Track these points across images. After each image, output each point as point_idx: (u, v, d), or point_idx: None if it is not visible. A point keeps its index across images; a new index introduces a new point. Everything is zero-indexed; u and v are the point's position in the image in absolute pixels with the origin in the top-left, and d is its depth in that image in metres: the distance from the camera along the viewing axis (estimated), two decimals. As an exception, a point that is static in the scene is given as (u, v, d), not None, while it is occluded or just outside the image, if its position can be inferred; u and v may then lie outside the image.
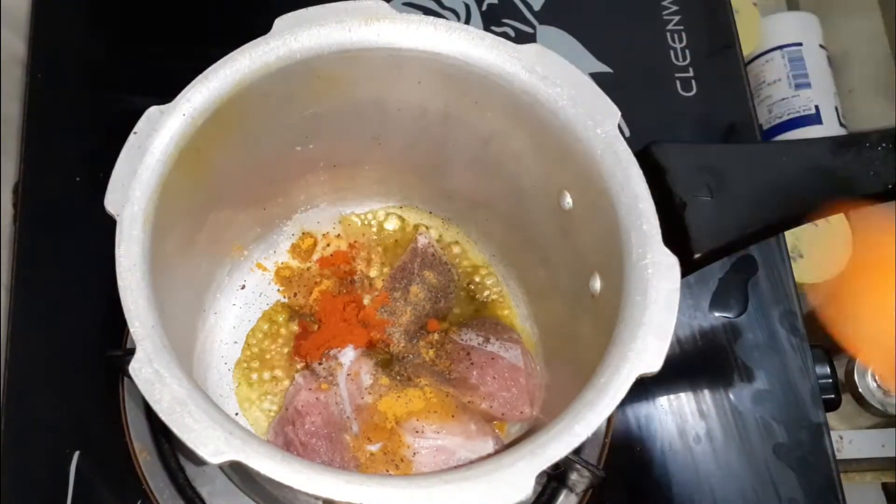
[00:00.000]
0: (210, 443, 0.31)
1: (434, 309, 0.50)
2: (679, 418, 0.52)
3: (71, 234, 0.54)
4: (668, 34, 0.63)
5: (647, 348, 0.34)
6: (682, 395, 0.53)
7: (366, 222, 0.53)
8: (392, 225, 0.53)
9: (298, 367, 0.48)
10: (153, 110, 0.38)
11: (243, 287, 0.50)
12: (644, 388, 0.52)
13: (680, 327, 0.54)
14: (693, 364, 0.53)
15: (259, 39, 0.40)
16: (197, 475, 0.48)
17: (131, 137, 0.38)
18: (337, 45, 0.40)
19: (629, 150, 0.38)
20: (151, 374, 0.33)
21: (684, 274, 0.36)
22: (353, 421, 0.45)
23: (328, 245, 0.52)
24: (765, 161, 0.39)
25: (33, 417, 0.50)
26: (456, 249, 0.53)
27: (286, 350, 0.49)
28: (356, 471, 0.43)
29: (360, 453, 0.44)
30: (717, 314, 0.55)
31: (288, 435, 0.44)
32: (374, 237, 0.53)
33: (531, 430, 0.43)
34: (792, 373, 0.53)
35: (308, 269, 0.51)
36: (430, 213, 0.53)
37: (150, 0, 0.63)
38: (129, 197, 0.37)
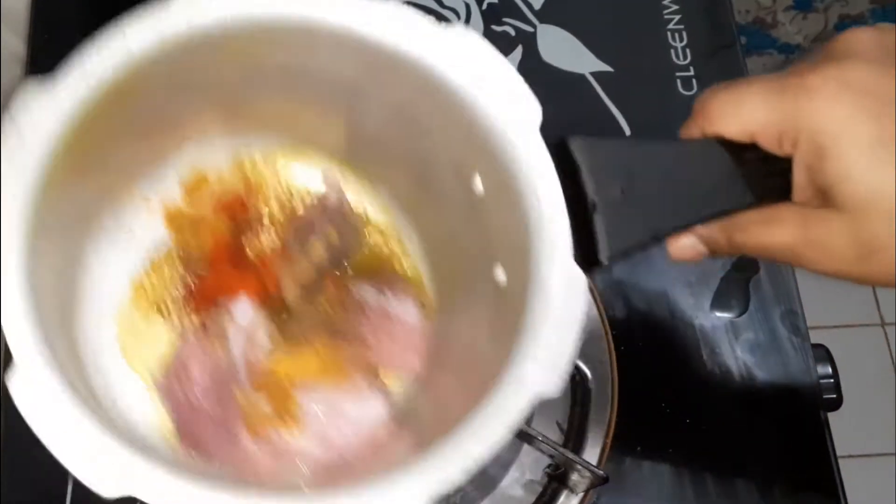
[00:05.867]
0: (104, 478, 0.30)
1: (334, 266, 0.47)
2: (679, 418, 0.52)
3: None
4: (669, 33, 0.63)
5: (540, 371, 0.32)
6: (682, 394, 0.52)
7: (265, 164, 0.48)
8: (294, 170, 0.49)
9: (188, 318, 0.45)
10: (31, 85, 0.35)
11: (129, 231, 0.46)
12: (644, 387, 0.52)
13: (681, 327, 0.54)
14: (693, 364, 0.53)
15: (157, 5, 0.37)
16: (197, 476, 0.48)
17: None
18: (246, 16, 0.37)
19: (544, 150, 0.36)
20: (35, 395, 0.31)
21: (587, 270, 0.35)
22: (245, 380, 0.43)
23: (221, 185, 0.48)
24: (682, 159, 0.37)
25: (33, 418, 0.50)
26: (361, 203, 0.49)
27: (175, 299, 0.45)
28: (245, 431, 0.42)
29: (250, 411, 0.43)
30: (718, 314, 0.55)
31: (176, 393, 0.43)
32: (274, 182, 0.48)
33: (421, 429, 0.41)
34: (793, 372, 0.53)
35: (200, 212, 0.47)
36: (338, 159, 0.49)
37: (150, 0, 0.63)
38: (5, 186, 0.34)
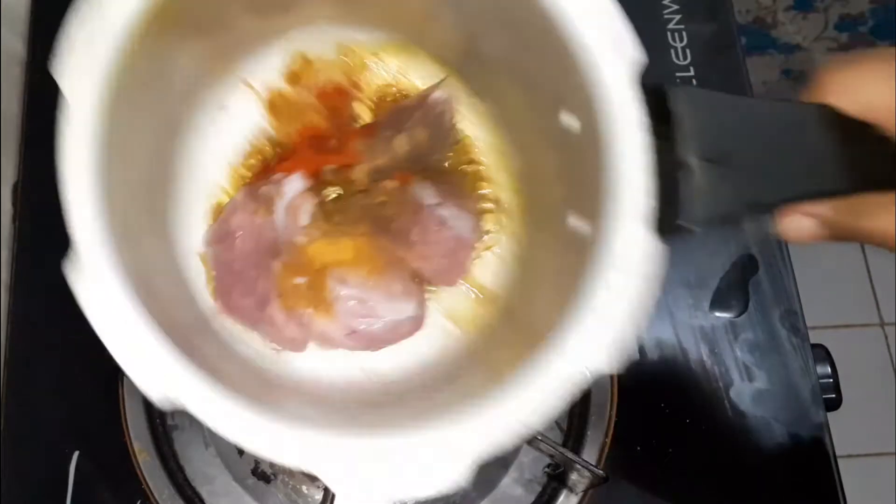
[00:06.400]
0: (155, 382, 0.30)
1: (411, 166, 0.45)
2: (678, 418, 0.52)
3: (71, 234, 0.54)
4: (669, 33, 0.63)
5: (591, 345, 0.30)
6: (682, 394, 0.52)
7: (372, 58, 0.47)
8: (401, 68, 0.47)
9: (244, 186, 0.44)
10: None
11: (227, 110, 0.45)
12: (643, 387, 0.52)
13: (680, 327, 0.54)
14: (693, 364, 0.53)
15: None
16: (196, 475, 0.48)
17: None
18: None
19: (636, 100, 0.34)
20: (98, 291, 0.31)
21: (668, 236, 0.32)
22: (283, 251, 0.43)
23: (325, 73, 0.46)
24: (795, 125, 0.33)
25: (33, 417, 0.50)
26: (462, 116, 0.47)
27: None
28: (277, 302, 0.42)
29: (285, 283, 0.42)
30: (717, 314, 0.55)
31: (217, 253, 0.43)
32: (379, 76, 0.47)
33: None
34: (792, 372, 0.53)
35: (302, 98, 0.46)
36: (448, 65, 0.46)
37: None
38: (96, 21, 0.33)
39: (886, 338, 1.26)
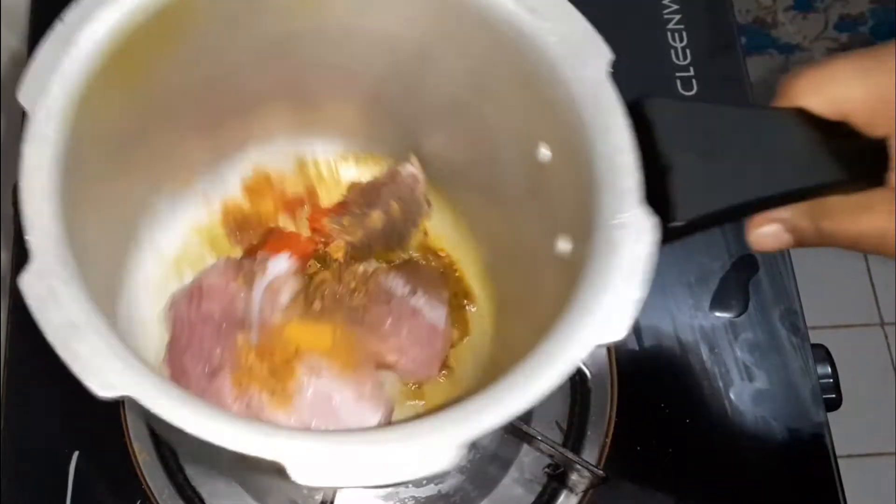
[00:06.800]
0: (100, 374, 0.29)
1: (385, 244, 0.46)
2: (679, 419, 0.52)
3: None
4: (669, 33, 0.63)
5: (605, 316, 0.31)
6: (682, 394, 0.52)
7: (328, 168, 0.48)
8: (354, 174, 0.48)
9: (230, 252, 0.45)
10: None
11: (187, 222, 0.46)
12: (643, 387, 0.52)
13: (680, 327, 0.54)
14: (693, 364, 0.53)
15: None
16: (196, 475, 0.48)
17: (58, 26, 0.35)
18: None
19: (616, 98, 0.34)
20: (44, 289, 0.31)
21: (663, 242, 0.33)
22: (255, 330, 0.42)
23: (283, 186, 0.47)
24: (767, 127, 0.34)
25: (33, 417, 0.50)
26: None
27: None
28: (229, 378, 0.40)
29: (245, 364, 0.41)
30: (717, 314, 0.55)
31: (180, 308, 0.42)
32: (336, 186, 0.48)
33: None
34: (792, 372, 0.53)
35: (260, 211, 0.47)
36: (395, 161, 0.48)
37: None
38: (48, 91, 0.34)
39: (886, 338, 1.26)
